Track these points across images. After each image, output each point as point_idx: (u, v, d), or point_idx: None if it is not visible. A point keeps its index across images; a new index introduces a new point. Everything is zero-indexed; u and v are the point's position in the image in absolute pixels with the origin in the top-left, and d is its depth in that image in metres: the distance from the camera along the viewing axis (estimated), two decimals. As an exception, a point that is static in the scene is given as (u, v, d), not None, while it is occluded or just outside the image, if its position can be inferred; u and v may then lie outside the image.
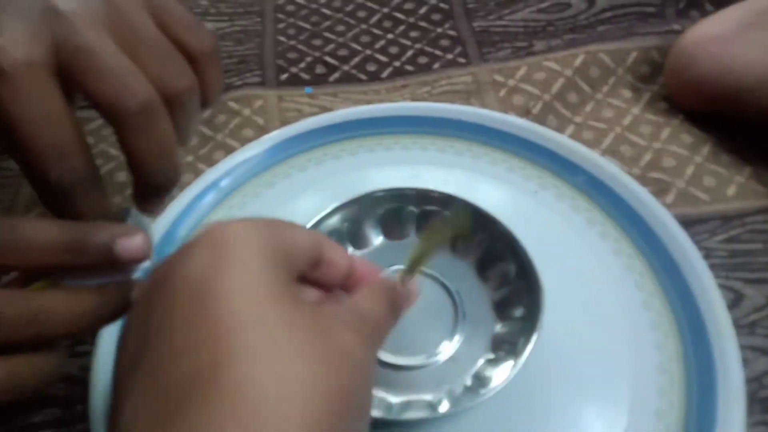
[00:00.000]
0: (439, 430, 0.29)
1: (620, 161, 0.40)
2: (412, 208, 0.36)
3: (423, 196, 0.36)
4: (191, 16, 0.25)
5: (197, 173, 0.41)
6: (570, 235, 0.37)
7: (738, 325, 0.32)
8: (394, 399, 0.30)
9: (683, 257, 0.34)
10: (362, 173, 0.40)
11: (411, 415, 0.28)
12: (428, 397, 0.30)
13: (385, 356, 0.31)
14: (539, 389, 0.30)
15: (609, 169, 0.39)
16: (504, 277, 0.33)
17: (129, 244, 0.20)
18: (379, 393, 0.30)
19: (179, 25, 0.25)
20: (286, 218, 0.39)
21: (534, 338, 0.29)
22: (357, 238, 0.36)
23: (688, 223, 0.36)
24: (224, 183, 0.40)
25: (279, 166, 0.41)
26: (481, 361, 0.31)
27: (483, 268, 0.34)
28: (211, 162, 0.42)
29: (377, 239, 0.37)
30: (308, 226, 0.34)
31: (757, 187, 0.38)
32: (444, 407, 0.28)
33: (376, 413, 0.27)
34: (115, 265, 0.21)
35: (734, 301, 0.33)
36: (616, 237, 0.36)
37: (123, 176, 0.42)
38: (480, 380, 0.30)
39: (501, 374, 0.29)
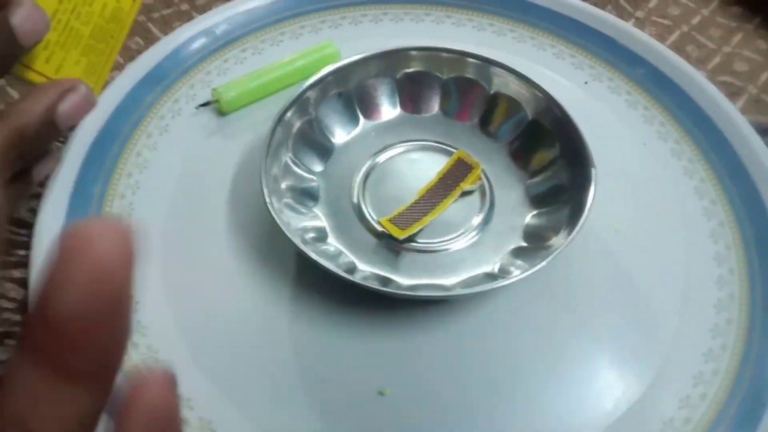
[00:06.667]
0: (460, 315, 0.24)
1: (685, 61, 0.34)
2: (438, 75, 0.30)
3: (457, 62, 0.30)
4: None
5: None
6: (623, 133, 0.31)
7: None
8: (405, 281, 0.25)
9: (755, 165, 0.29)
10: (382, 44, 0.34)
11: (421, 292, 0.23)
12: (443, 281, 0.25)
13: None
14: (578, 285, 0.26)
15: (675, 63, 0.33)
16: (544, 159, 0.28)
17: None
18: (384, 273, 0.25)
19: None
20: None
21: (581, 223, 0.24)
22: (368, 106, 0.30)
23: (759, 132, 0.31)
24: (220, 30, 0.33)
25: (288, 22, 0.35)
26: (509, 249, 0.26)
27: (519, 150, 0.29)
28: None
29: (393, 111, 0.31)
30: (311, 81, 0.28)
31: None
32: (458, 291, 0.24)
33: (375, 285, 0.22)
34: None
35: (811, 219, 0.28)
36: (676, 138, 0.31)
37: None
38: (505, 271, 0.25)
39: (530, 264, 0.24)
